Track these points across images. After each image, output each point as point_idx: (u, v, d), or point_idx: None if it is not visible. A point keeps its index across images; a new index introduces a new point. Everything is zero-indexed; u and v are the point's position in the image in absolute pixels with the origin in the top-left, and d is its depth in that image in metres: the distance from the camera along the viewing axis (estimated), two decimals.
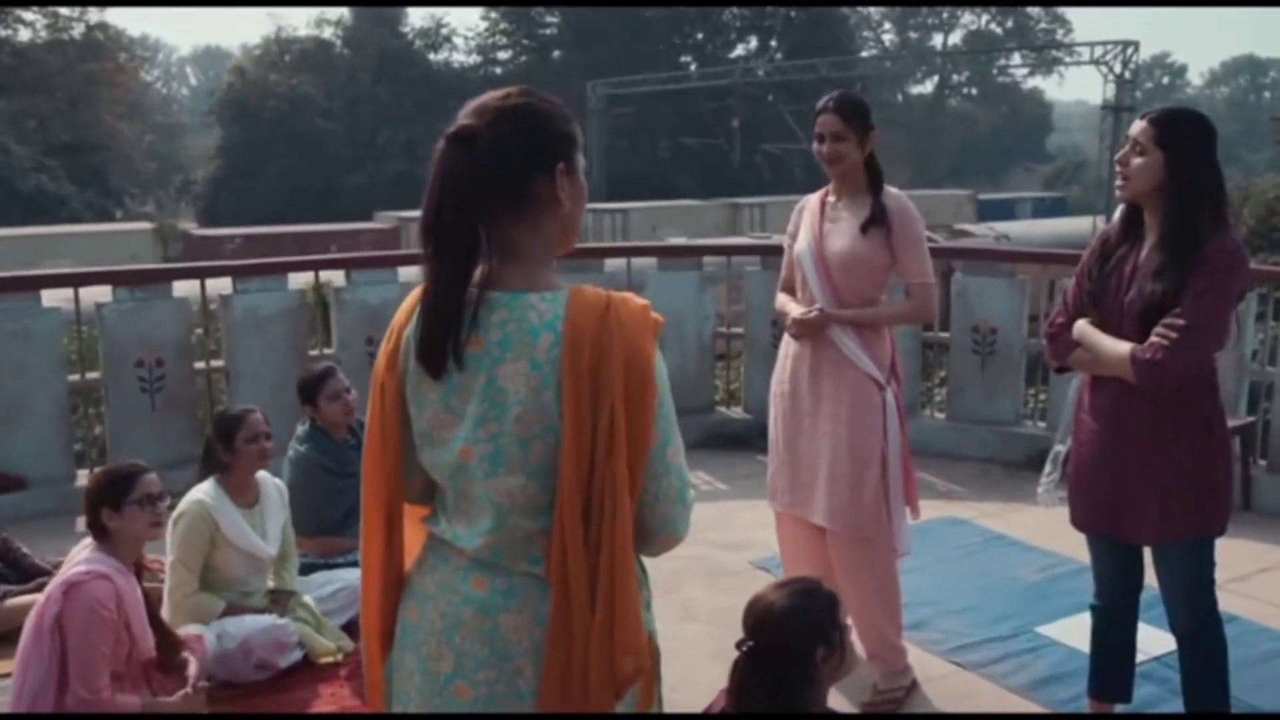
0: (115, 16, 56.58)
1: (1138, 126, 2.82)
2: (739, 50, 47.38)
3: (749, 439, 6.65)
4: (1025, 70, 58.10)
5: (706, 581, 4.68)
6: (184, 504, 3.77)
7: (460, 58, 47.34)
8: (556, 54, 46.39)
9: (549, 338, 1.63)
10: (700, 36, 46.86)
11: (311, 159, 41.35)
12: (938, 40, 64.60)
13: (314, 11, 60.89)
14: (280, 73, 44.40)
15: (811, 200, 3.76)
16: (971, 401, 6.54)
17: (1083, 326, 2.95)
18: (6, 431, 5.44)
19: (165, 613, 3.73)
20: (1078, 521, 3.16)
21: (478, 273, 1.67)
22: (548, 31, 46.73)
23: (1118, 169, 2.85)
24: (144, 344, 5.69)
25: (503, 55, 47.14)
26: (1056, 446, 4.11)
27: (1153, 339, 2.73)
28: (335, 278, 6.35)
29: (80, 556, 3.30)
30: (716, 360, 7.15)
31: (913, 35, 65.14)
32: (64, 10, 44.13)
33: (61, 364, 5.64)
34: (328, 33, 45.69)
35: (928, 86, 65.64)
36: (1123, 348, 2.78)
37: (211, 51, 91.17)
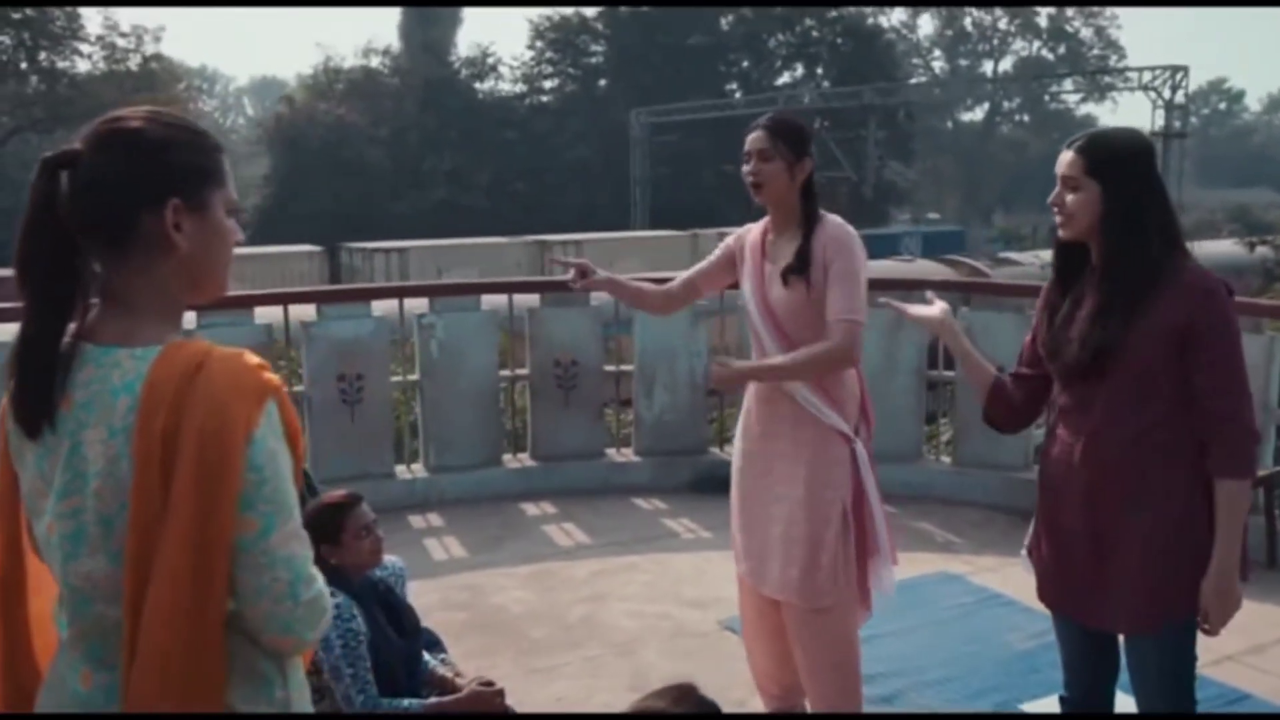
0: (173, 48, 57.68)
1: (1065, 160, 2.51)
2: (784, 78, 47.06)
3: None
4: (1078, 97, 57.27)
5: (667, 644, 4.33)
6: None
7: (506, 86, 47.53)
8: (602, 83, 46.39)
9: (126, 401, 1.43)
10: (745, 64, 46.60)
11: (357, 186, 41.61)
12: (988, 67, 63.90)
13: (361, 41, 61.62)
14: (328, 102, 44.79)
15: (753, 233, 3.41)
16: (977, 444, 6.13)
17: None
18: None
19: None
20: (1043, 596, 2.79)
21: (81, 320, 1.49)
22: (593, 60, 46.74)
23: (1054, 211, 2.54)
24: None
25: (548, 84, 47.24)
26: None
27: (1219, 447, 2.41)
28: (306, 312, 6.09)
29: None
30: (709, 397, 6.79)
31: (963, 62, 64.47)
32: (120, 41, 45.03)
33: None
34: (375, 62, 46.10)
35: (978, 114, 64.98)
36: (1231, 501, 2.42)
37: (268, 82, 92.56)
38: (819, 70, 46.40)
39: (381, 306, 6.26)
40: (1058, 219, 2.54)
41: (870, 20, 47.92)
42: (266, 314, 5.96)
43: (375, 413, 6.08)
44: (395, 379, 6.30)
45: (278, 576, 1.48)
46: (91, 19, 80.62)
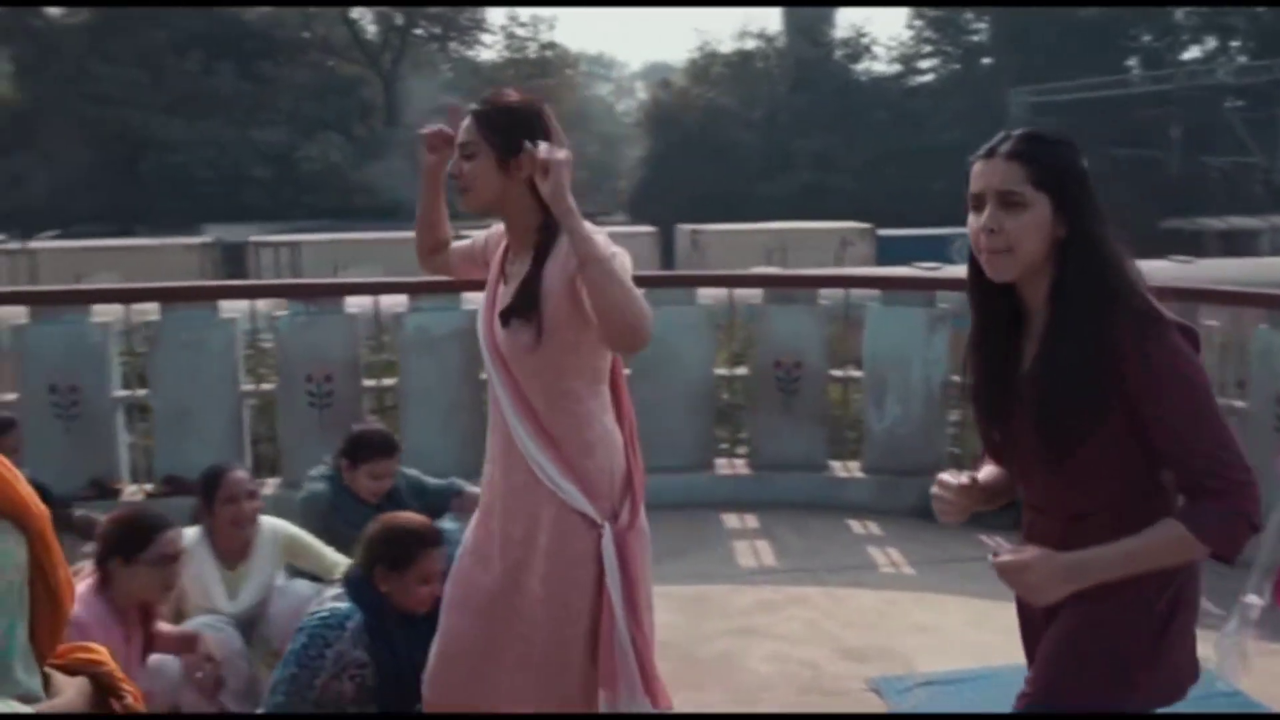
0: (573, 37, 61.40)
1: (998, 171, 1.87)
2: (1193, 52, 42.54)
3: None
4: None
5: (794, 699, 3.78)
6: None
7: (880, 68, 46.32)
8: (985, 61, 44.07)
9: None
10: (1146, 38, 42.57)
11: (726, 168, 42.16)
12: None
13: (737, 24, 62.63)
14: (702, 85, 45.67)
15: (503, 244, 2.66)
16: None
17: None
18: (180, 438, 5.56)
19: None
20: None
21: None
22: (975, 38, 44.48)
23: (983, 241, 1.89)
24: (314, 359, 5.62)
25: (925, 64, 45.51)
26: (1248, 596, 3.00)
27: (1207, 496, 1.80)
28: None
29: (78, 590, 3.07)
30: (949, 412, 6.02)
31: None
32: (520, 31, 48.70)
33: (234, 374, 5.69)
34: (750, 45, 46.42)
35: None
36: (1170, 532, 1.80)
37: (658, 67, 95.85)
38: (1234, 43, 41.54)
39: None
40: (984, 255, 1.90)
41: None
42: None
43: None
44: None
45: None
46: (495, 11, 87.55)
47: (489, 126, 2.47)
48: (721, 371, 6.19)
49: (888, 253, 24.65)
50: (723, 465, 6.09)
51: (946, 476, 2.09)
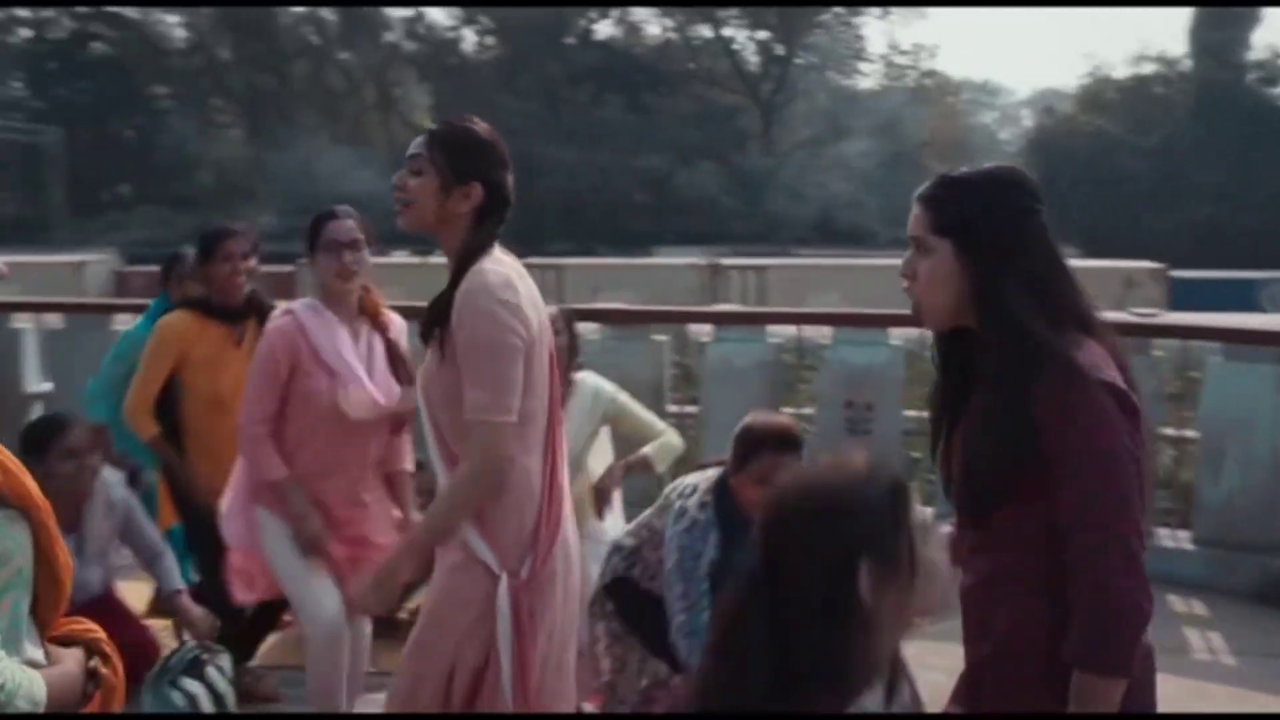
0: (958, 65, 60.22)
1: (913, 217, 1.84)
2: None
3: None
4: None
5: None
6: None
7: None
8: None
9: None
10: None
11: (1115, 199, 39.66)
12: None
13: (1133, 49, 58.84)
14: (1091, 112, 43.20)
15: None
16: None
17: None
18: None
19: None
20: None
21: None
22: None
23: (905, 289, 1.89)
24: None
25: None
26: None
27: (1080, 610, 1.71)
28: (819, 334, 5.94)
29: (307, 300, 3.35)
30: None
31: None
32: (899, 59, 48.49)
33: None
34: (1147, 70, 43.38)
35: None
36: (1085, 686, 1.73)
37: (1047, 94, 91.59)
38: None
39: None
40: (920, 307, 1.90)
41: None
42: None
43: (882, 447, 5.70)
44: (910, 413, 5.87)
45: None
46: (875, 40, 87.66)
47: (439, 146, 2.41)
48: None
49: (1183, 297, 21.08)
50: None
51: None
